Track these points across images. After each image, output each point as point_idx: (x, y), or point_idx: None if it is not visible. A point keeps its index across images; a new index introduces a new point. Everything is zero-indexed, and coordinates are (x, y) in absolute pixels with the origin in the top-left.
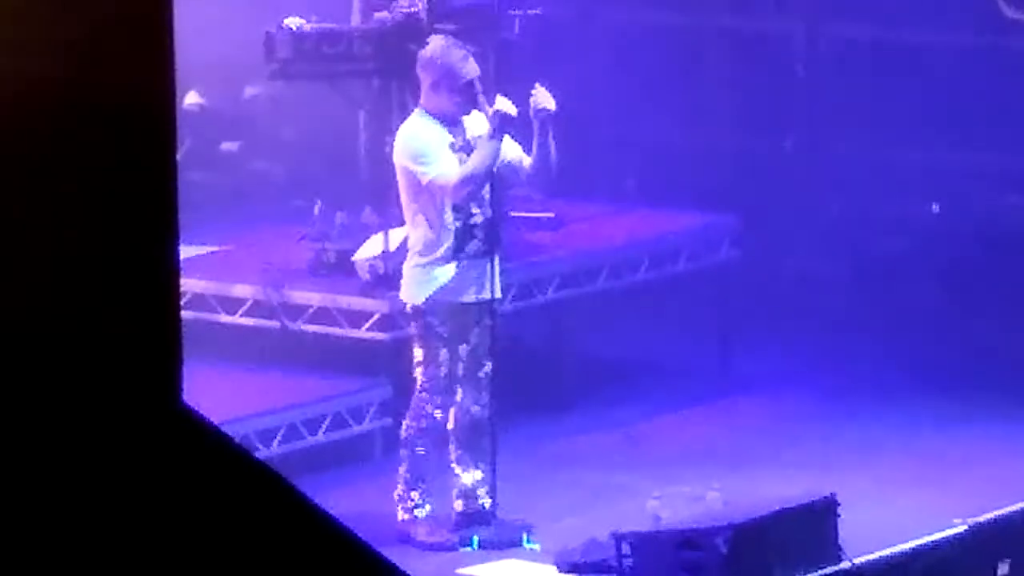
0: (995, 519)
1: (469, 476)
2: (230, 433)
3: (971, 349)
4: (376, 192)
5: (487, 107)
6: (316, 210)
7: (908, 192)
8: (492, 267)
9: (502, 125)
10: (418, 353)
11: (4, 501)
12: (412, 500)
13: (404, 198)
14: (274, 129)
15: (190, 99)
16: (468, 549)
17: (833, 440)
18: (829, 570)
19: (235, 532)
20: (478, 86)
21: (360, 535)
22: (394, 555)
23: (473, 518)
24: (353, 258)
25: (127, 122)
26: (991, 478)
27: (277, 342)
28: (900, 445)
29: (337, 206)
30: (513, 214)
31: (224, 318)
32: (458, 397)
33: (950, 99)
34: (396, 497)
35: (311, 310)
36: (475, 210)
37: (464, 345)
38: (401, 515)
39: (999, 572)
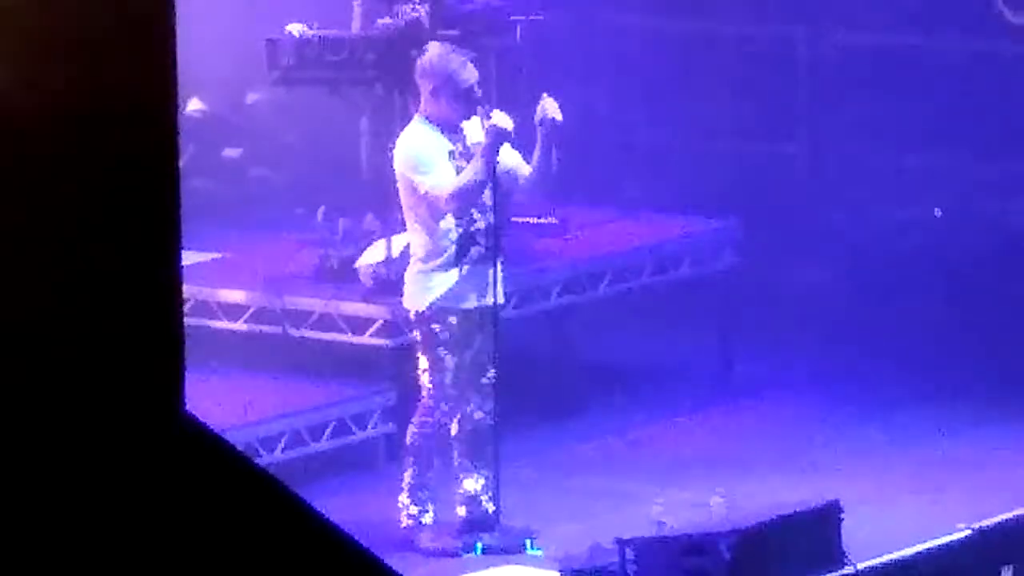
0: (998, 524)
1: (472, 482)
2: (233, 440)
3: (974, 354)
4: (379, 198)
5: (486, 114)
6: (319, 216)
7: (911, 197)
8: (495, 273)
9: (496, 140)
10: (422, 360)
11: (8, 508)
12: (416, 506)
13: (404, 205)
14: (276, 135)
15: (192, 106)
16: (472, 555)
17: (836, 445)
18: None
19: (237, 539)
20: (477, 92)
21: (363, 542)
22: (398, 562)
23: (477, 524)
24: (356, 264)
25: (130, 129)
26: (994, 483)
27: (280, 349)
28: (903, 450)
29: (340, 212)
30: (516, 220)
31: (227, 325)
32: (462, 404)
33: (953, 104)
34: (400, 503)
35: (314, 316)
36: (477, 216)
37: (467, 351)
38: (405, 521)
39: None
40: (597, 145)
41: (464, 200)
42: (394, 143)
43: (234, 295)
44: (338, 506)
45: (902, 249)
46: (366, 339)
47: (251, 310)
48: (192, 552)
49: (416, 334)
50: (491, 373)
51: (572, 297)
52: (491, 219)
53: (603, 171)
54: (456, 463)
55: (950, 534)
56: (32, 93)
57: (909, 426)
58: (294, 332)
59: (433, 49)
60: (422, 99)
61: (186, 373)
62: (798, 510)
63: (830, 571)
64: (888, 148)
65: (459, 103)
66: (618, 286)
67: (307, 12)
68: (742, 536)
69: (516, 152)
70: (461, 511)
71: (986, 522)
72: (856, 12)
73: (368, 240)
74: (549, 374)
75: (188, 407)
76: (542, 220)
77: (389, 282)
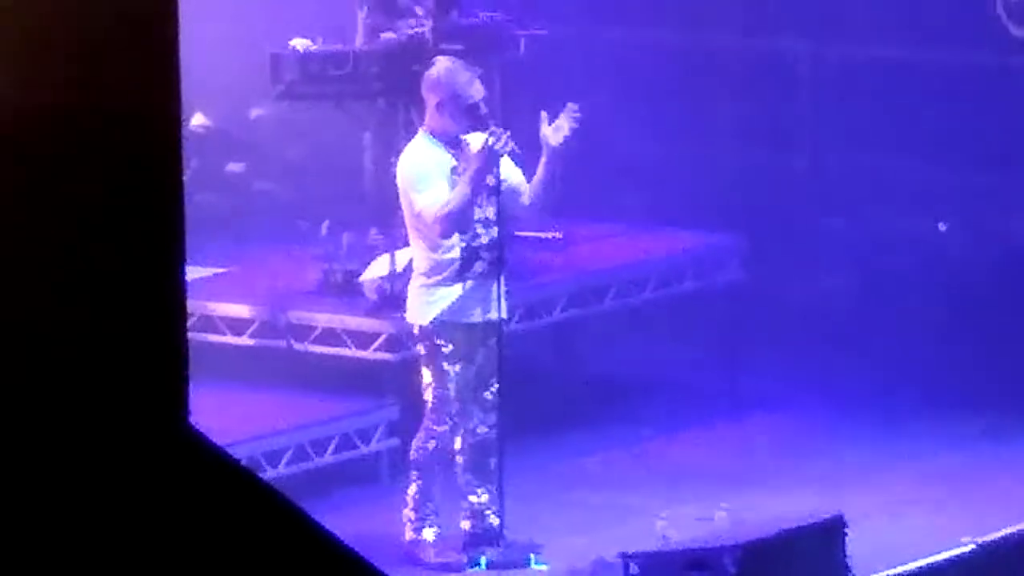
0: (1004, 538)
1: (476, 496)
2: (237, 454)
3: (979, 367)
4: (382, 212)
5: (491, 132)
6: (323, 231)
7: (915, 211)
8: (498, 287)
9: (484, 164)
10: (425, 374)
11: (11, 518)
12: (420, 521)
13: (407, 220)
14: (280, 150)
15: (196, 120)
16: (476, 569)
17: (841, 459)
18: None
19: (239, 552)
20: (483, 109)
21: (368, 556)
22: None
23: (481, 538)
24: (360, 279)
25: (133, 143)
26: (1000, 497)
27: (284, 363)
28: (908, 464)
29: (344, 227)
30: (519, 234)
31: (231, 339)
32: (466, 418)
33: (955, 116)
34: (404, 518)
35: (318, 331)
36: (481, 231)
37: (470, 366)
38: (409, 535)
39: None
40: (600, 159)
41: (449, 224)
42: (398, 157)
43: (238, 309)
44: (342, 520)
45: (906, 261)
46: (370, 353)
47: (255, 324)
48: (194, 564)
49: (419, 348)
50: (495, 387)
51: (576, 311)
52: (495, 234)
53: (606, 185)
54: (460, 477)
55: (955, 548)
56: (36, 108)
57: (915, 440)
58: (298, 346)
59: (441, 63)
60: (427, 113)
61: (190, 387)
62: (802, 524)
63: None
64: (891, 160)
65: (463, 119)
66: (622, 300)
67: (311, 27)
68: (747, 550)
69: (519, 170)
70: (465, 525)
71: (991, 536)
72: (858, 25)
73: (372, 254)
74: (553, 388)
75: (192, 421)
76: (546, 234)
77: (393, 296)
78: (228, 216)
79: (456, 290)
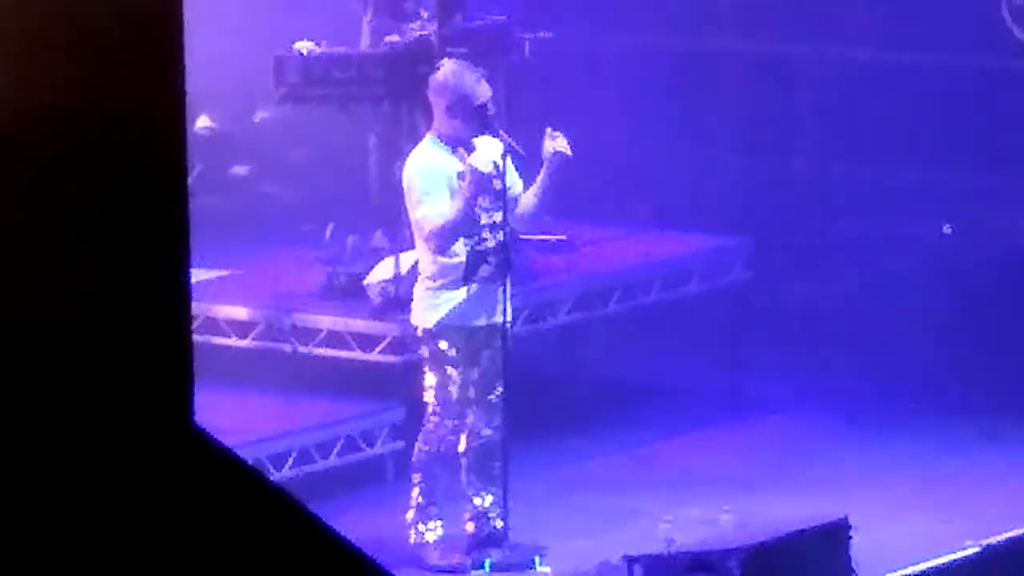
0: (1007, 541)
1: (481, 499)
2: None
3: (983, 370)
4: (387, 215)
5: (498, 134)
6: (327, 234)
7: (919, 213)
8: (503, 291)
9: (479, 182)
10: (430, 377)
11: (16, 516)
12: (424, 523)
13: (412, 223)
14: (284, 153)
15: (201, 123)
16: (480, 572)
17: (845, 462)
18: None
19: (245, 551)
20: (491, 109)
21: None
22: None
23: (485, 541)
24: (364, 282)
25: (138, 145)
26: (1003, 500)
27: (288, 366)
28: (912, 467)
29: (348, 229)
30: (524, 237)
31: (235, 342)
32: (470, 420)
33: (960, 121)
34: (408, 520)
35: (322, 334)
36: (487, 235)
37: (475, 368)
38: (413, 538)
39: None
40: (605, 162)
41: (443, 241)
42: (402, 160)
43: (242, 312)
44: (347, 523)
45: (910, 264)
46: (375, 356)
47: (259, 327)
48: (200, 564)
49: (424, 351)
50: (499, 390)
51: (581, 314)
52: (500, 237)
53: (611, 188)
54: (464, 480)
55: (959, 551)
56: (41, 112)
57: (919, 443)
58: (303, 349)
59: (447, 66)
60: (436, 117)
61: (195, 390)
62: (807, 527)
63: None
64: (894, 163)
65: (474, 121)
66: (627, 303)
67: (315, 30)
68: (751, 553)
69: (519, 179)
70: (469, 527)
71: (995, 539)
72: (860, 29)
73: (377, 257)
74: (558, 391)
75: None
76: (550, 237)
77: (398, 299)
78: (232, 219)
79: (461, 293)
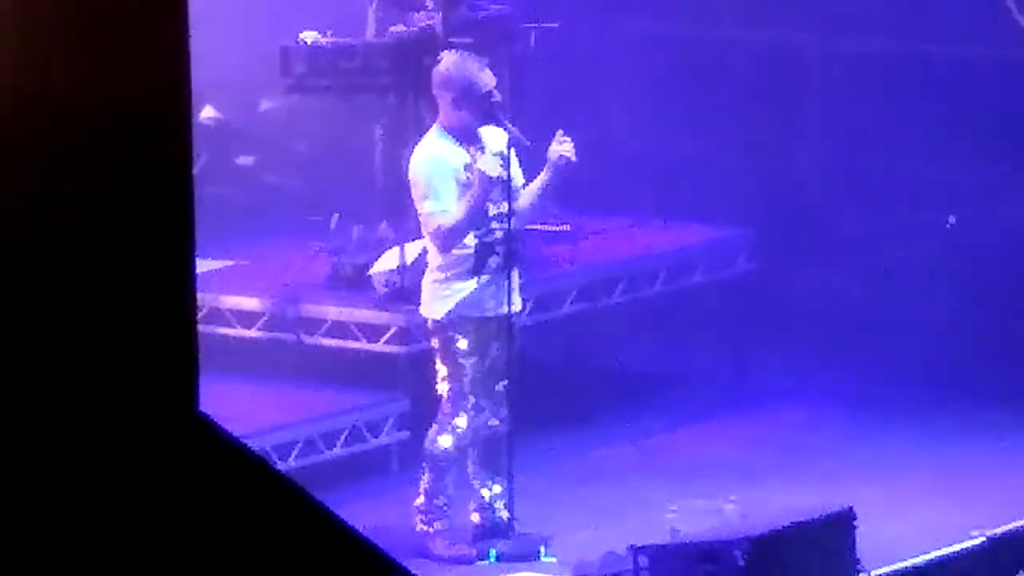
0: (1013, 531)
1: (487, 489)
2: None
3: (989, 361)
4: (392, 206)
5: (505, 126)
6: (333, 224)
7: (924, 205)
8: (510, 282)
9: (488, 187)
10: (440, 368)
11: (23, 502)
12: (431, 513)
13: (419, 214)
14: (290, 143)
15: (206, 113)
16: (486, 562)
17: (850, 452)
18: None
19: (250, 538)
20: (496, 96)
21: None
22: (412, 568)
23: (491, 531)
24: (370, 272)
25: (144, 136)
26: (1009, 490)
27: (293, 356)
28: (917, 457)
29: (353, 220)
30: (529, 227)
31: (240, 332)
32: (477, 411)
33: (965, 112)
34: (414, 510)
35: (327, 324)
36: (495, 226)
37: (484, 359)
38: (419, 528)
39: None
40: (610, 152)
41: (444, 241)
42: (408, 150)
43: (248, 302)
44: (352, 513)
45: (916, 255)
46: (380, 346)
47: (265, 317)
48: (206, 551)
49: (434, 342)
50: (507, 381)
51: (586, 304)
52: (508, 227)
53: (615, 179)
54: (471, 470)
55: (964, 541)
56: (47, 103)
57: (923, 433)
58: (308, 339)
59: (448, 58)
60: (441, 109)
61: (200, 380)
62: (812, 517)
63: None
64: (901, 156)
65: (480, 110)
66: (632, 293)
67: (321, 20)
68: (756, 543)
69: (520, 170)
70: (475, 518)
71: (1000, 529)
72: (868, 19)
73: (382, 247)
74: (563, 381)
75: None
76: (555, 227)
77: (403, 289)
78: (237, 209)
79: (471, 284)
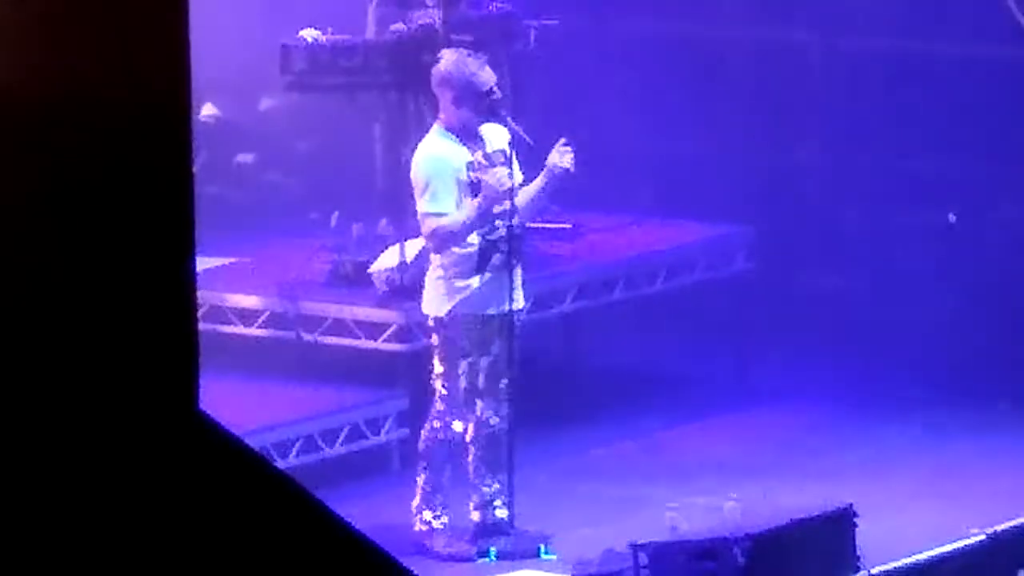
0: (1013, 529)
1: (487, 487)
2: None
3: (988, 360)
4: (392, 203)
5: (506, 123)
6: (333, 222)
7: (925, 203)
8: (511, 280)
9: (494, 198)
10: (437, 365)
11: (23, 500)
12: (430, 511)
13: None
14: (290, 141)
15: (206, 111)
16: (485, 560)
17: (850, 450)
18: None
19: (250, 537)
20: (497, 94)
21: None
22: (411, 566)
23: (490, 529)
24: (370, 270)
25: (143, 134)
26: (1008, 488)
27: (293, 354)
28: (917, 455)
29: (353, 217)
30: (530, 225)
31: (241, 330)
32: (478, 409)
33: (967, 110)
34: (414, 508)
35: (328, 322)
36: (499, 223)
37: (485, 357)
38: (419, 526)
39: None
40: (610, 150)
41: (440, 242)
42: (408, 148)
43: (248, 300)
44: (352, 511)
45: (916, 254)
46: (380, 344)
47: (265, 315)
48: (206, 549)
49: (434, 339)
50: (508, 379)
51: (586, 302)
52: (510, 225)
53: (616, 177)
54: (470, 468)
55: (964, 539)
56: (46, 100)
57: (923, 431)
58: (308, 337)
59: (448, 56)
60: (442, 108)
61: (200, 378)
62: (812, 515)
63: None
64: (902, 154)
65: (480, 108)
66: (632, 291)
67: (321, 18)
68: (756, 541)
69: (521, 175)
70: (475, 516)
71: (1000, 526)
72: (869, 17)
73: (382, 245)
74: (563, 379)
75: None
76: (554, 225)
77: (403, 287)
78: (238, 207)
79: (474, 282)
